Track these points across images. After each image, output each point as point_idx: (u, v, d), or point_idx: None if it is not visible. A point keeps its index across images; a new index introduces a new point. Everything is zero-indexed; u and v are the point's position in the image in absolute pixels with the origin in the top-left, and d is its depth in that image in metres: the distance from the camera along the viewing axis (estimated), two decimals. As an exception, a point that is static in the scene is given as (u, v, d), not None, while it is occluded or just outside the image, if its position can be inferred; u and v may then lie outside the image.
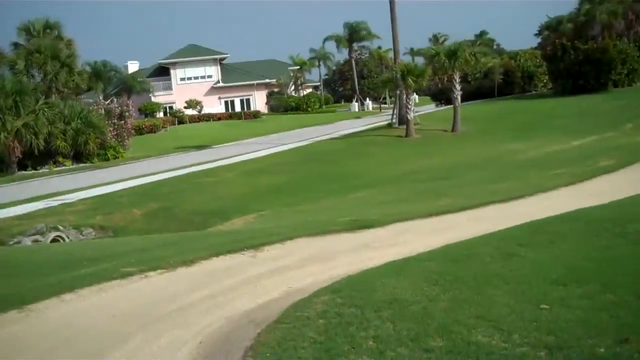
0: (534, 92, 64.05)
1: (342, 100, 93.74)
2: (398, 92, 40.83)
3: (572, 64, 50.92)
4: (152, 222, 21.00)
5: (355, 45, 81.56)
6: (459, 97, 37.91)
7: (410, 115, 36.81)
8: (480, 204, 14.42)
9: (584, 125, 35.46)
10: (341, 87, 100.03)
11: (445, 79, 67.17)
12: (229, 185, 25.84)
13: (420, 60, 75.34)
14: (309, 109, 70.80)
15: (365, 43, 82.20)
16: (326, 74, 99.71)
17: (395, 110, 42.79)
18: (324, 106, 74.96)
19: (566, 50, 51.57)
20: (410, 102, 37.02)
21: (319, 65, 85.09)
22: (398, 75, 36.71)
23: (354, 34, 78.13)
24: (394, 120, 42.26)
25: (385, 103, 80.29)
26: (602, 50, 49.65)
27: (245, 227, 15.37)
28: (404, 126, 39.03)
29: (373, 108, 75.23)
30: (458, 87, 37.80)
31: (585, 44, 50.78)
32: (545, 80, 66.14)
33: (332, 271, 8.58)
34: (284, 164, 31.18)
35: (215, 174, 28.68)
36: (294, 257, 9.69)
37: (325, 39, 79.76)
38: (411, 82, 35.67)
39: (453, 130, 38.10)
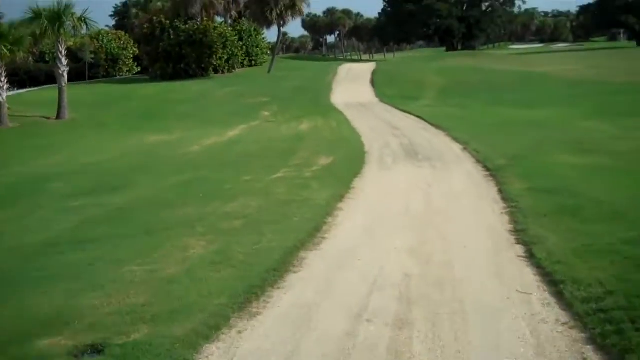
0: (118, 76, 57.90)
1: None
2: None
3: (172, 46, 46.37)
4: None
5: None
6: (65, 75, 29.54)
7: (3, 97, 27.14)
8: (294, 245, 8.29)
9: (217, 114, 31.35)
10: None
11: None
12: None
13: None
14: None
15: None
16: None
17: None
18: None
19: (165, 30, 46.75)
20: (3, 80, 27.12)
21: None
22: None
23: None
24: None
25: None
26: (203, 32, 46.27)
27: None
28: (-11, 113, 29.12)
29: None
30: (64, 61, 29.46)
31: (185, 23, 46.64)
32: (130, 65, 60.53)
33: None
34: None
35: None
36: None
37: None
38: (5, 50, 26.09)
39: (58, 117, 29.73)
